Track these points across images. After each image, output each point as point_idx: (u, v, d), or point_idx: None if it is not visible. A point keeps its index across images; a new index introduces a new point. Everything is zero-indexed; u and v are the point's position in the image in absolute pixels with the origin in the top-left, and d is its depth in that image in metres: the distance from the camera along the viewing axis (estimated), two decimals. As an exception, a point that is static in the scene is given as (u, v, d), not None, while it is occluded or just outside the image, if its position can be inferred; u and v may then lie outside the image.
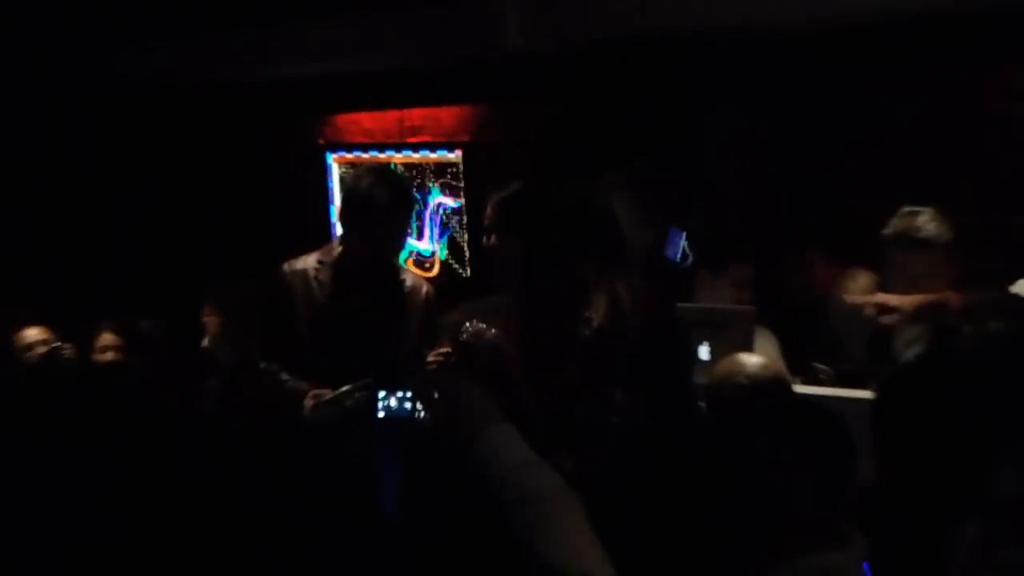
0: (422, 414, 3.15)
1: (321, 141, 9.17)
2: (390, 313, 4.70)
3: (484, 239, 4.79)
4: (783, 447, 2.74)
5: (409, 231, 5.17)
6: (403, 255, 7.49)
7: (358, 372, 4.40)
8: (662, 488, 2.31)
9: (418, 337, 4.78)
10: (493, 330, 4.38)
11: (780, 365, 3.71)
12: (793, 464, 2.66)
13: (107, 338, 6.62)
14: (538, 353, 4.13)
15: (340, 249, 4.87)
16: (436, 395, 2.49)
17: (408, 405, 3.44)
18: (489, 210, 4.76)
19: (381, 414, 3.51)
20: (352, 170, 8.55)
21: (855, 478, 2.77)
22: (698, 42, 6.77)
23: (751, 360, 3.57)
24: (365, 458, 3.65)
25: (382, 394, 3.53)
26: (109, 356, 6.57)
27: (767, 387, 3.29)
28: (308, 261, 4.81)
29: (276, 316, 4.85)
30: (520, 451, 2.31)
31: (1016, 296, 4.85)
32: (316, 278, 4.76)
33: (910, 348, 4.58)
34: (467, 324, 4.45)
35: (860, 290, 4.87)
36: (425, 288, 4.94)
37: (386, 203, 4.67)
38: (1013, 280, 5.04)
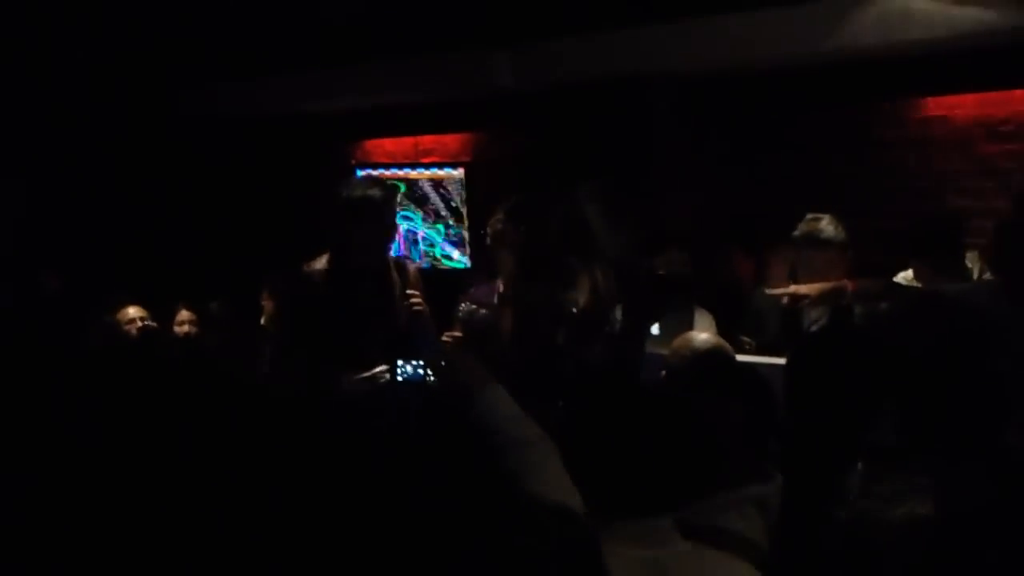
0: (432, 378, 3.22)
1: (353, 161, 9.19)
2: (391, 298, 4.56)
3: (490, 232, 4.70)
4: (720, 398, 2.79)
5: (396, 225, 5.00)
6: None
7: (370, 347, 4.36)
8: (621, 432, 2.33)
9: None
10: (483, 311, 4.47)
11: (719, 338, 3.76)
12: (727, 412, 2.71)
13: (184, 315, 6.67)
14: (534, 324, 4.22)
15: (339, 249, 4.68)
16: (443, 364, 2.54)
17: (421, 371, 3.48)
18: (500, 214, 4.66)
19: (400, 378, 3.55)
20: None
21: (775, 425, 2.83)
22: (647, 82, 6.83)
23: (700, 335, 3.62)
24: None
25: (400, 362, 3.57)
26: (186, 329, 6.62)
27: (712, 353, 3.33)
28: (318, 263, 4.68)
29: (299, 313, 4.76)
30: (509, 407, 2.37)
31: (897, 284, 4.93)
32: (327, 277, 4.61)
33: (815, 324, 4.70)
34: (463, 306, 4.53)
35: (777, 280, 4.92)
36: (410, 264, 4.85)
37: (380, 200, 4.55)
38: (894, 272, 5.14)
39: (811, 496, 2.09)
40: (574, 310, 4.20)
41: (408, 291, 4.42)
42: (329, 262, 4.64)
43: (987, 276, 4.90)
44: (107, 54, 7.93)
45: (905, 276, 5.02)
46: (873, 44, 5.65)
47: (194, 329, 6.66)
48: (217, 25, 7.39)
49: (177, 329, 6.61)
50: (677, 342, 3.50)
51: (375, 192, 4.58)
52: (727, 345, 3.45)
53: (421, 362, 3.48)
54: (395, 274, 4.68)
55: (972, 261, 5.16)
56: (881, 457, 1.75)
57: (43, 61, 7.80)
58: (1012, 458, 2.20)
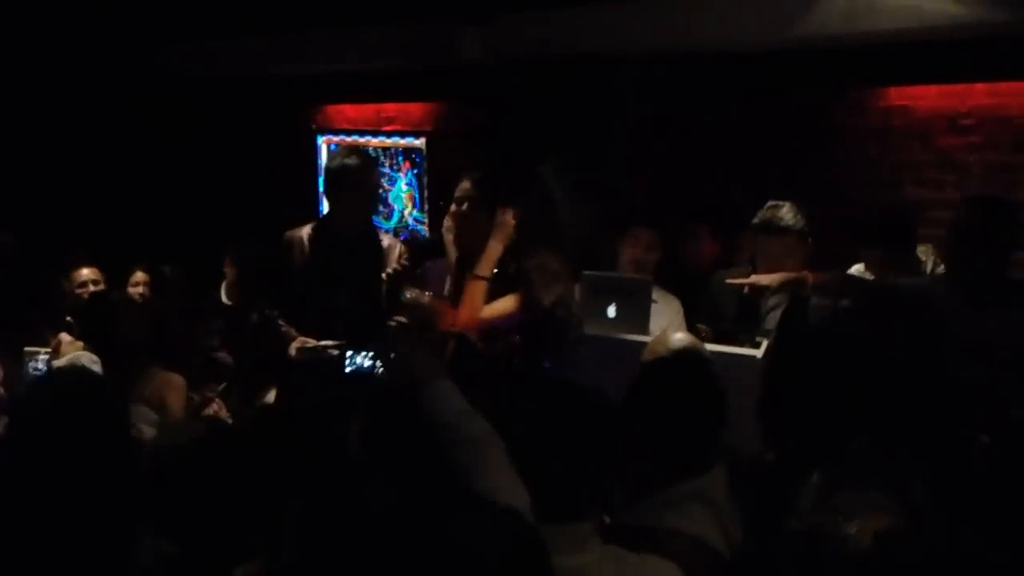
0: (381, 370, 3.17)
1: (313, 126, 9.11)
2: (368, 266, 4.55)
3: (453, 207, 4.59)
4: (668, 397, 2.76)
5: (379, 195, 5.06)
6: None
7: (342, 318, 4.37)
8: (569, 425, 2.31)
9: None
10: (428, 293, 4.43)
11: (684, 334, 3.72)
12: (675, 411, 2.68)
13: (139, 276, 6.68)
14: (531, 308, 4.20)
15: (326, 216, 4.82)
16: (392, 355, 2.50)
17: (370, 363, 3.43)
18: (466, 184, 4.54)
19: (349, 369, 3.50)
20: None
21: (721, 420, 2.81)
22: (613, 61, 6.80)
23: (675, 335, 3.60)
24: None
25: (350, 353, 3.52)
26: (140, 291, 6.61)
27: (686, 356, 3.31)
28: (304, 229, 4.73)
29: (276, 272, 4.80)
30: (457, 402, 2.35)
31: (854, 276, 4.94)
32: (309, 241, 4.68)
33: (771, 313, 4.70)
34: (407, 291, 4.48)
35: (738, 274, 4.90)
36: (399, 246, 4.80)
37: (357, 168, 4.60)
38: (850, 261, 5.15)
39: (767, 506, 2.09)
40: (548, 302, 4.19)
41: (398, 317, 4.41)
42: (313, 228, 4.72)
43: (940, 269, 4.93)
44: (65, 9, 7.77)
45: (857, 268, 5.03)
46: (839, 32, 5.63)
47: (147, 291, 6.62)
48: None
49: (132, 290, 6.59)
50: (653, 342, 3.49)
51: (353, 160, 4.63)
52: (701, 346, 3.44)
53: (371, 353, 3.43)
54: (379, 247, 4.70)
55: (925, 254, 5.18)
56: (837, 469, 1.74)
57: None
58: (971, 459, 2.21)
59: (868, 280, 4.82)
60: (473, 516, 1.69)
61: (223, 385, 5.27)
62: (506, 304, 4.28)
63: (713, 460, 2.66)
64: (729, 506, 2.56)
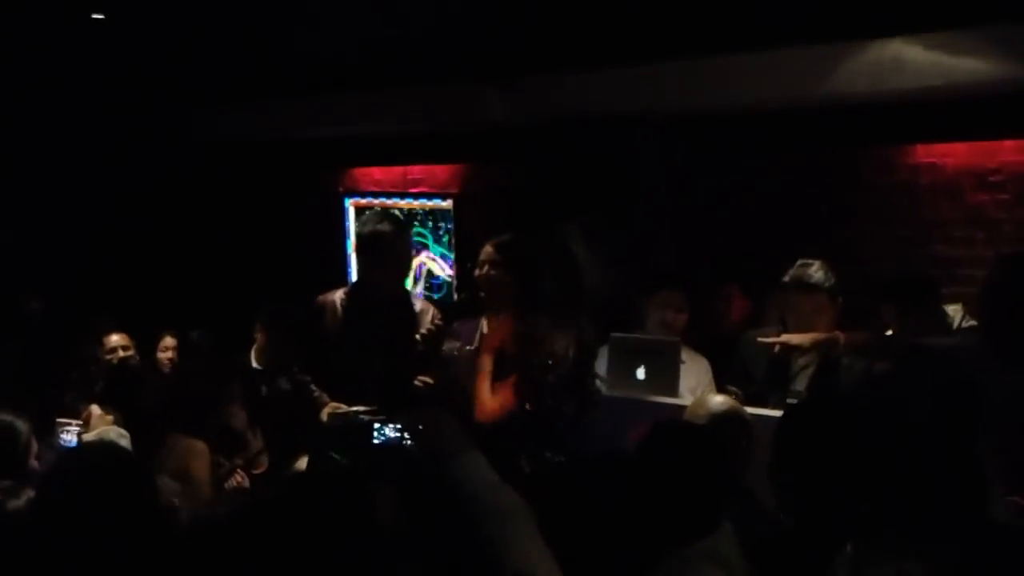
0: (409, 442, 3.14)
1: (341, 189, 9.18)
2: (400, 330, 4.54)
3: (478, 271, 4.65)
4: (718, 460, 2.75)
5: (410, 259, 5.04)
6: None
7: (374, 383, 4.35)
8: (594, 498, 2.30)
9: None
10: (467, 347, 4.42)
11: (724, 397, 3.70)
12: (688, 482, 2.67)
13: (169, 342, 6.76)
14: (520, 369, 4.17)
15: (358, 281, 4.82)
16: (420, 427, 2.48)
17: (398, 435, 3.40)
18: (489, 248, 4.61)
19: (377, 440, 3.47)
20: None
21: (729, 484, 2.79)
22: (639, 121, 6.82)
23: (716, 398, 3.58)
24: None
25: (377, 425, 3.50)
26: (170, 355, 6.69)
27: (729, 418, 3.30)
28: (337, 293, 4.71)
29: (308, 336, 4.80)
30: (486, 474, 2.32)
31: (886, 338, 4.89)
32: (341, 306, 4.66)
33: (801, 374, 4.65)
34: (446, 346, 4.48)
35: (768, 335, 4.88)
36: (432, 311, 4.77)
37: (389, 234, 4.58)
38: (882, 321, 5.11)
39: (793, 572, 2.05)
40: (561, 354, 4.16)
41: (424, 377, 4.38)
42: (345, 293, 4.70)
43: (968, 323, 4.88)
44: (98, 77, 7.88)
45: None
46: (865, 91, 5.64)
47: (176, 356, 6.68)
48: (209, 51, 7.35)
49: (161, 355, 6.66)
50: (693, 404, 3.47)
51: (385, 227, 4.60)
52: (741, 408, 3.41)
53: (399, 425, 3.39)
54: (412, 311, 4.68)
55: (956, 312, 5.12)
56: (870, 539, 1.71)
57: (34, 81, 7.75)
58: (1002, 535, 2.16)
59: (900, 343, 4.77)
60: None
61: (246, 453, 5.23)
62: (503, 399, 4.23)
63: (720, 518, 2.64)
64: (741, 565, 2.55)
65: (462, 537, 2.22)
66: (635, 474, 2.35)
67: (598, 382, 4.63)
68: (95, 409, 4.44)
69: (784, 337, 4.56)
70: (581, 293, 4.37)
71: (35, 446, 3.82)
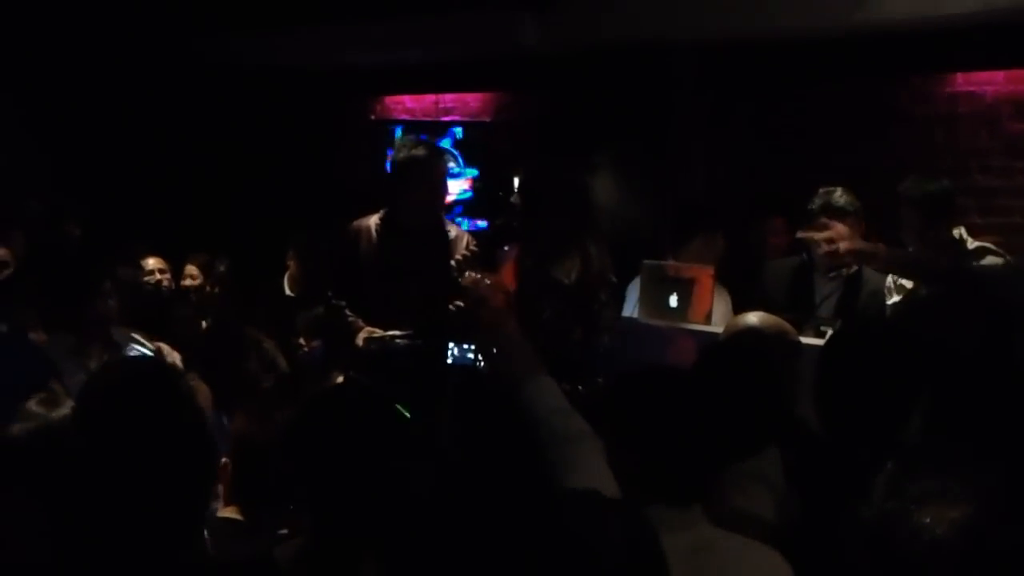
0: (482, 363, 3.15)
1: (372, 117, 9.16)
2: (435, 256, 4.47)
3: (512, 199, 4.70)
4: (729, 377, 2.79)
5: (446, 184, 5.03)
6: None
7: (409, 309, 4.37)
8: (648, 417, 2.32)
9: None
10: (487, 280, 4.42)
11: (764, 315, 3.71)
12: (736, 397, 2.71)
13: (191, 270, 6.84)
14: (524, 294, 4.19)
15: (393, 207, 4.77)
16: (494, 349, 2.49)
17: (471, 355, 3.41)
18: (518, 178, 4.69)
19: (450, 360, 3.49)
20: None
21: (776, 406, 2.83)
22: (672, 48, 6.77)
23: (752, 316, 3.59)
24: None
25: (451, 345, 3.51)
26: (194, 282, 6.80)
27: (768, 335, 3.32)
28: (372, 219, 4.71)
29: (343, 262, 4.81)
30: (555, 399, 2.33)
31: (929, 256, 4.83)
32: (376, 231, 4.67)
33: (825, 302, 4.68)
34: (466, 274, 4.48)
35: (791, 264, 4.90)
36: (467, 237, 4.76)
37: (424, 159, 4.58)
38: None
39: (837, 492, 2.07)
40: (565, 281, 4.17)
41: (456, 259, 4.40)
42: (380, 218, 4.70)
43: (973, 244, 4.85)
44: (130, 4, 7.87)
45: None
46: (904, 18, 5.57)
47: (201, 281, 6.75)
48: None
49: (186, 283, 6.72)
50: (731, 322, 3.49)
51: (420, 152, 4.60)
52: (784, 325, 3.41)
53: (471, 346, 3.40)
54: (446, 237, 4.67)
55: (960, 235, 5.03)
56: (911, 457, 1.72)
57: (63, 12, 7.75)
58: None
59: (943, 263, 4.73)
60: (588, 507, 1.66)
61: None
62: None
63: (769, 440, 2.67)
64: (784, 486, 2.58)
65: (522, 459, 2.24)
66: (688, 392, 2.37)
67: (629, 310, 4.66)
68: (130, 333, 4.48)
69: (829, 233, 4.52)
70: (589, 218, 4.35)
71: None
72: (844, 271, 4.78)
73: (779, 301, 4.74)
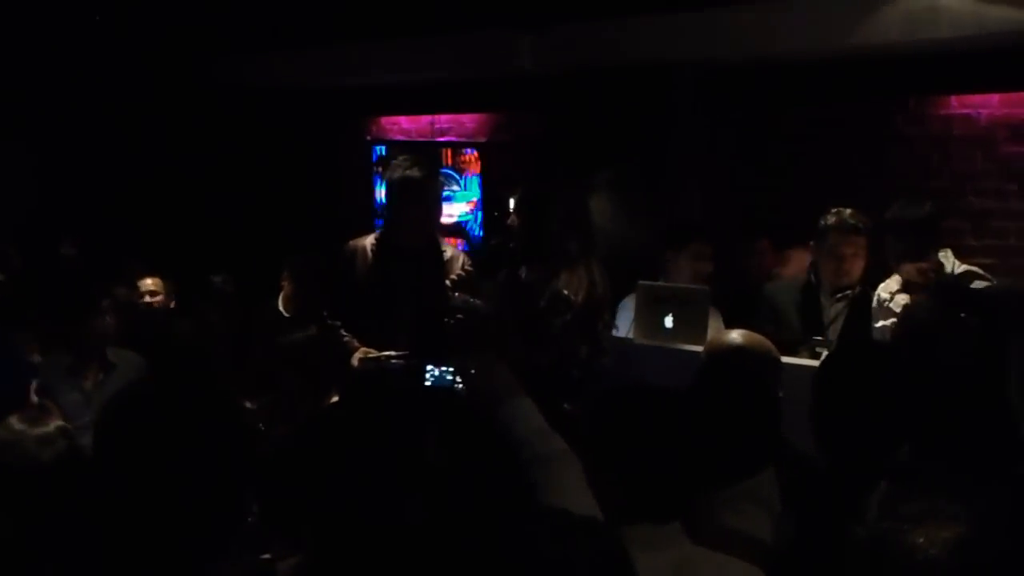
0: (460, 385, 3.16)
1: (368, 137, 9.18)
2: (430, 276, 4.52)
3: (508, 220, 4.69)
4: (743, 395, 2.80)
5: (440, 204, 5.04)
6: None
7: (404, 329, 4.37)
8: (635, 436, 2.33)
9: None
10: (477, 300, 4.42)
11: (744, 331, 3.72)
12: (728, 420, 2.72)
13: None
14: (530, 312, 4.19)
15: (389, 227, 4.79)
16: (472, 370, 2.51)
17: (449, 377, 3.40)
18: (514, 199, 4.68)
19: (428, 382, 3.48)
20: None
21: (773, 427, 2.84)
22: (668, 70, 6.79)
23: (733, 333, 3.59)
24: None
25: (430, 367, 3.50)
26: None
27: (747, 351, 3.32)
28: (368, 238, 4.71)
29: (339, 281, 4.82)
30: (534, 419, 2.36)
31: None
32: (371, 251, 4.66)
33: (832, 324, 4.70)
34: (455, 295, 4.48)
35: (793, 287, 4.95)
36: (462, 257, 4.76)
37: (419, 179, 4.58)
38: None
39: (832, 513, 2.08)
40: (574, 299, 4.18)
41: (450, 279, 4.39)
42: (376, 238, 4.71)
43: (959, 268, 4.87)
44: (128, 21, 7.90)
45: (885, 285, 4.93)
46: (899, 40, 5.60)
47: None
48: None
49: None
50: (712, 339, 3.49)
51: (415, 172, 4.59)
52: (762, 341, 3.42)
53: (450, 368, 3.40)
54: (441, 257, 4.67)
55: (946, 258, 5.04)
56: (905, 478, 1.73)
57: (63, 27, 7.78)
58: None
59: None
60: (553, 527, 1.67)
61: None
62: None
63: (766, 461, 2.68)
64: (780, 506, 2.59)
65: (503, 479, 2.25)
66: (685, 411, 2.38)
67: (618, 331, 4.68)
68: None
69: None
70: (593, 240, 4.37)
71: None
72: (850, 292, 4.81)
73: (789, 323, 4.76)
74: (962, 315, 2.82)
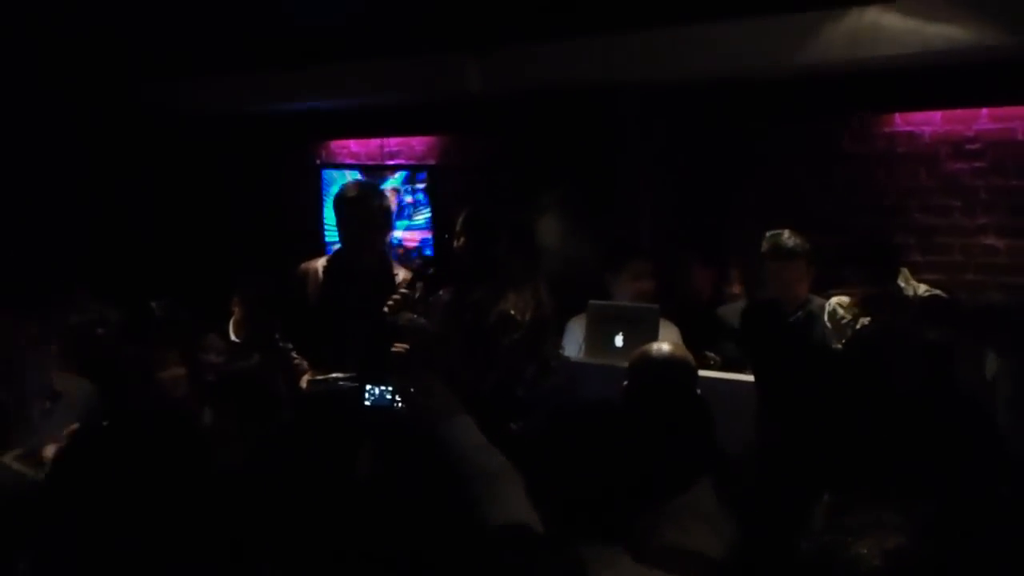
0: (399, 404, 3.17)
1: (317, 161, 9.14)
2: (380, 298, 4.46)
3: (454, 242, 4.72)
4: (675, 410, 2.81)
5: (389, 226, 5.05)
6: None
7: (354, 351, 4.38)
8: (576, 455, 2.34)
9: None
10: (422, 320, 4.42)
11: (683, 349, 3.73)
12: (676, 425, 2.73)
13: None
14: (477, 332, 4.20)
15: (339, 249, 4.84)
16: (411, 390, 2.51)
17: (389, 397, 3.40)
18: (459, 220, 4.67)
19: (368, 402, 3.48)
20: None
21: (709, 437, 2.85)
22: (615, 91, 6.83)
23: (661, 346, 3.59)
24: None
25: (368, 386, 3.50)
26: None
27: (671, 363, 3.33)
28: (319, 261, 4.76)
29: (290, 305, 4.83)
30: (474, 436, 2.36)
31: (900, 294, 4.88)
32: (323, 273, 4.70)
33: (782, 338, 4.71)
34: (404, 315, 4.47)
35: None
36: (402, 275, 4.78)
37: (364, 200, 4.65)
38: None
39: (775, 525, 2.09)
40: (518, 318, 4.18)
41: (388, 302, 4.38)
42: (327, 260, 4.78)
43: (922, 291, 4.92)
44: (68, 48, 7.82)
45: (838, 299, 4.96)
46: (842, 59, 5.66)
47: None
48: (185, 20, 7.31)
49: None
50: (635, 353, 3.51)
51: (359, 193, 4.69)
52: (685, 352, 3.44)
53: (389, 387, 3.40)
54: (392, 279, 4.71)
55: (904, 280, 5.10)
56: (848, 489, 1.74)
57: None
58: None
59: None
60: (519, 544, 1.66)
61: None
62: None
63: (700, 473, 2.69)
64: (721, 517, 2.60)
65: (444, 496, 2.24)
66: (617, 428, 2.38)
67: (566, 351, 4.69)
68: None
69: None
70: (538, 261, 4.39)
71: None
72: (800, 313, 4.85)
73: (753, 342, 4.78)
74: (935, 335, 2.86)
